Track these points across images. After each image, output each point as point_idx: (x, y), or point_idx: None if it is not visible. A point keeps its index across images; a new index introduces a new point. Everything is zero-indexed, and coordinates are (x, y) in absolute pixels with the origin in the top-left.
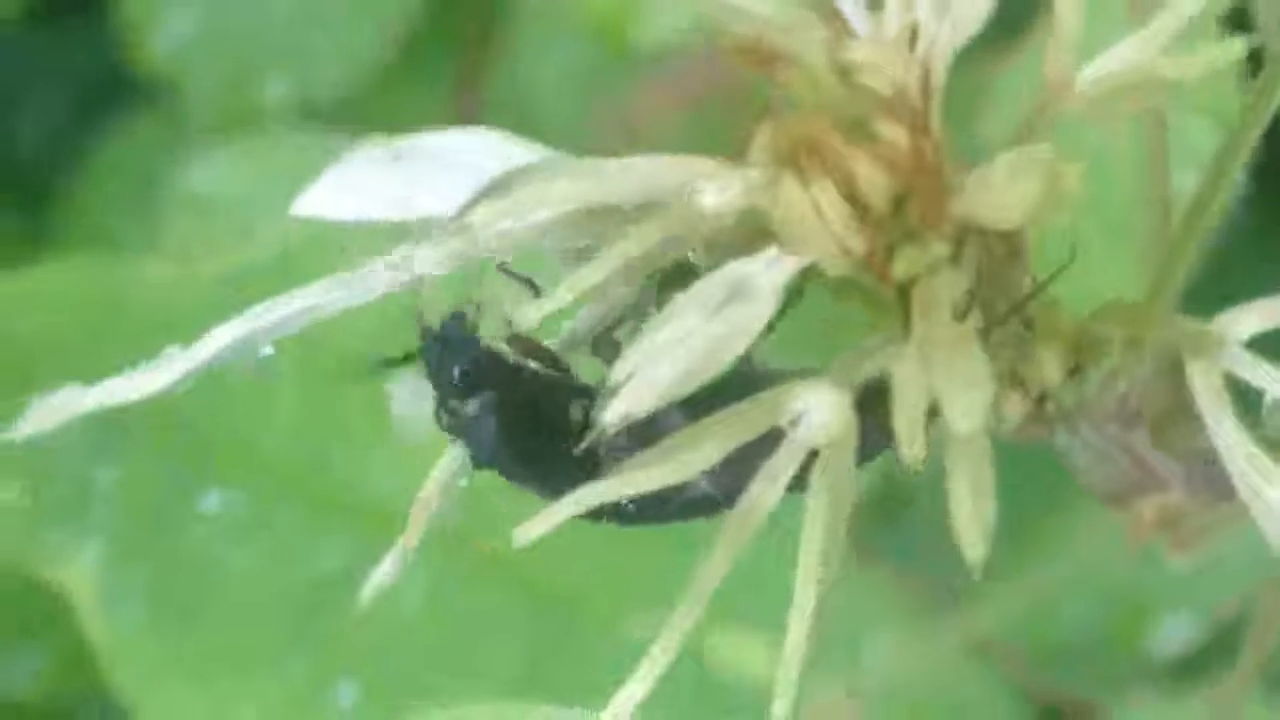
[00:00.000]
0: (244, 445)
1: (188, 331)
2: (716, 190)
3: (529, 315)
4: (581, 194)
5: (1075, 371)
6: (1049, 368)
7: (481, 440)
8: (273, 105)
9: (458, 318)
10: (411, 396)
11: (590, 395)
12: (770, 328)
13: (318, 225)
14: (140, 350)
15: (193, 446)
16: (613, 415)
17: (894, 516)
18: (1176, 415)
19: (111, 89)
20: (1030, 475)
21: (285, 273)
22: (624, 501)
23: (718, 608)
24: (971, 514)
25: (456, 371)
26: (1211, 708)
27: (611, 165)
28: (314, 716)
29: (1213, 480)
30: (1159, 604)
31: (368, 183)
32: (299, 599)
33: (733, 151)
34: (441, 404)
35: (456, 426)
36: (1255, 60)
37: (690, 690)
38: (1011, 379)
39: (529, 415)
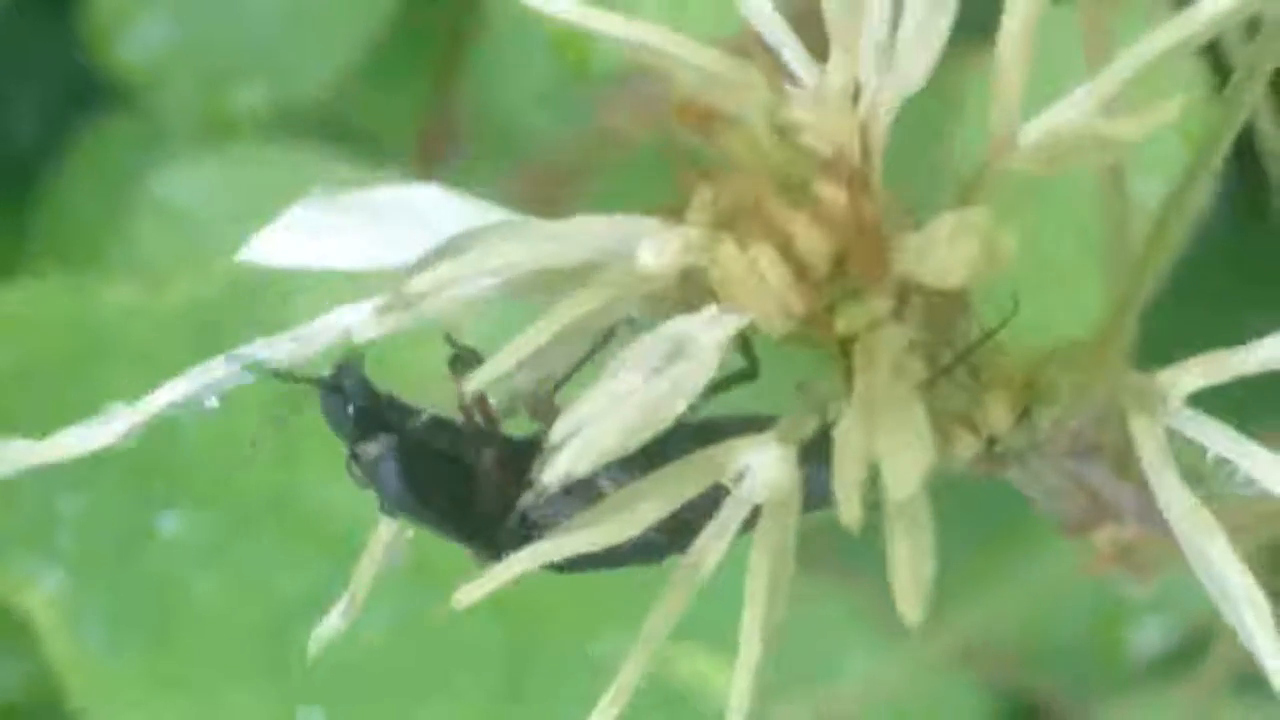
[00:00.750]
0: (208, 472)
1: (152, 353)
2: (655, 250)
3: (473, 384)
4: (525, 258)
5: (1024, 415)
6: (996, 413)
7: (386, 484)
8: (246, 110)
9: (351, 364)
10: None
11: (501, 443)
12: (714, 389)
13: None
14: (107, 373)
15: (156, 473)
16: (553, 475)
17: (872, 531)
18: (1132, 445)
19: (90, 87)
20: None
21: (238, 304)
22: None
23: (681, 625)
24: (910, 577)
25: (351, 413)
26: (1186, 708)
27: (553, 228)
28: None
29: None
30: (1137, 607)
31: (320, 232)
32: (263, 624)
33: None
34: (349, 452)
35: (362, 471)
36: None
37: (655, 707)
38: (961, 421)
39: (431, 460)
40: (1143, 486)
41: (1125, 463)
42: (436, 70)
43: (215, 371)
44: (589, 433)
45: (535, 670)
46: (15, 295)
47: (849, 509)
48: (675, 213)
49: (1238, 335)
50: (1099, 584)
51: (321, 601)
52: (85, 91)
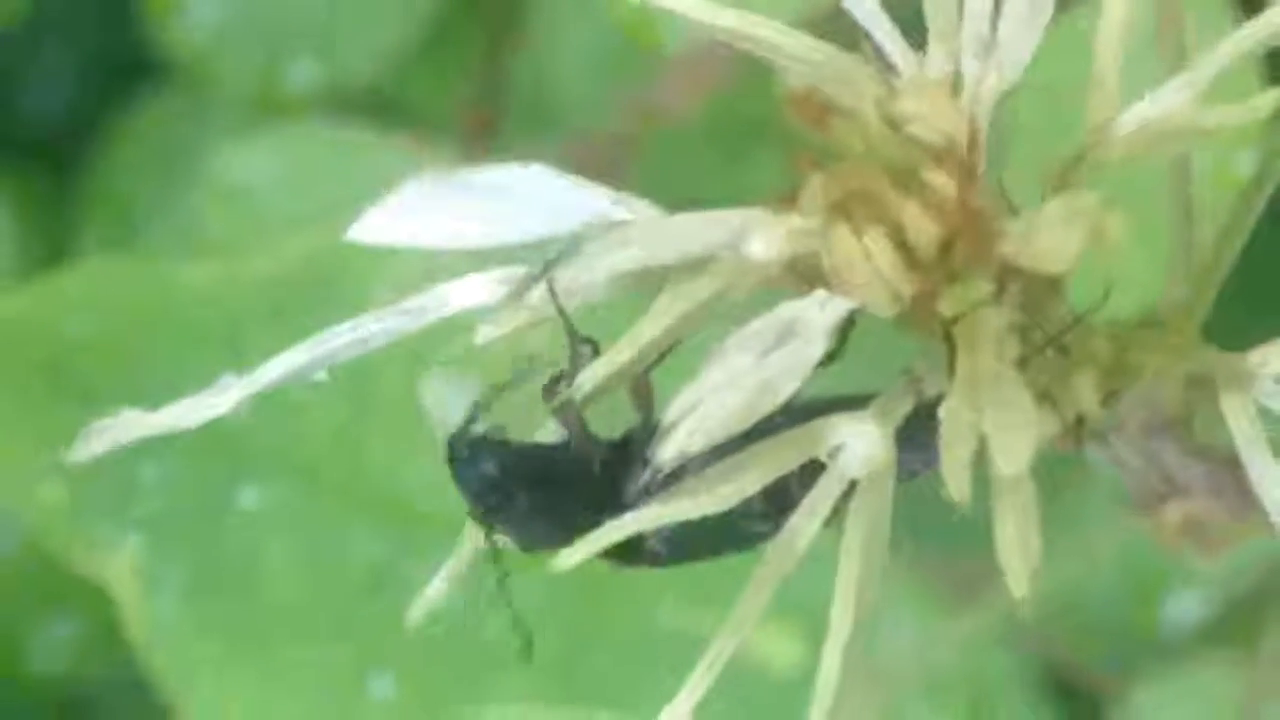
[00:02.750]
0: (281, 440)
1: (228, 338)
2: (764, 240)
3: (590, 376)
4: (638, 261)
5: (1110, 394)
6: (1085, 393)
7: (529, 530)
8: (300, 89)
9: (471, 423)
10: (443, 393)
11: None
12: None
13: (340, 234)
14: (187, 350)
15: (231, 443)
16: (667, 453)
17: (911, 503)
18: (1203, 423)
19: (136, 61)
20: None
21: (316, 283)
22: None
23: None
24: (1018, 552)
25: (486, 474)
26: (1224, 681)
27: (664, 225)
28: (351, 707)
29: (1236, 487)
30: (1174, 580)
31: (424, 213)
32: (335, 592)
33: (752, 138)
34: (477, 508)
35: (498, 524)
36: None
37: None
38: (1046, 399)
39: (564, 492)
40: (1212, 463)
41: (1193, 440)
42: (485, 45)
43: (329, 344)
44: (702, 412)
45: (600, 644)
46: (90, 268)
47: (959, 486)
48: (783, 201)
49: None
50: (1135, 558)
51: (392, 569)
52: (121, 67)
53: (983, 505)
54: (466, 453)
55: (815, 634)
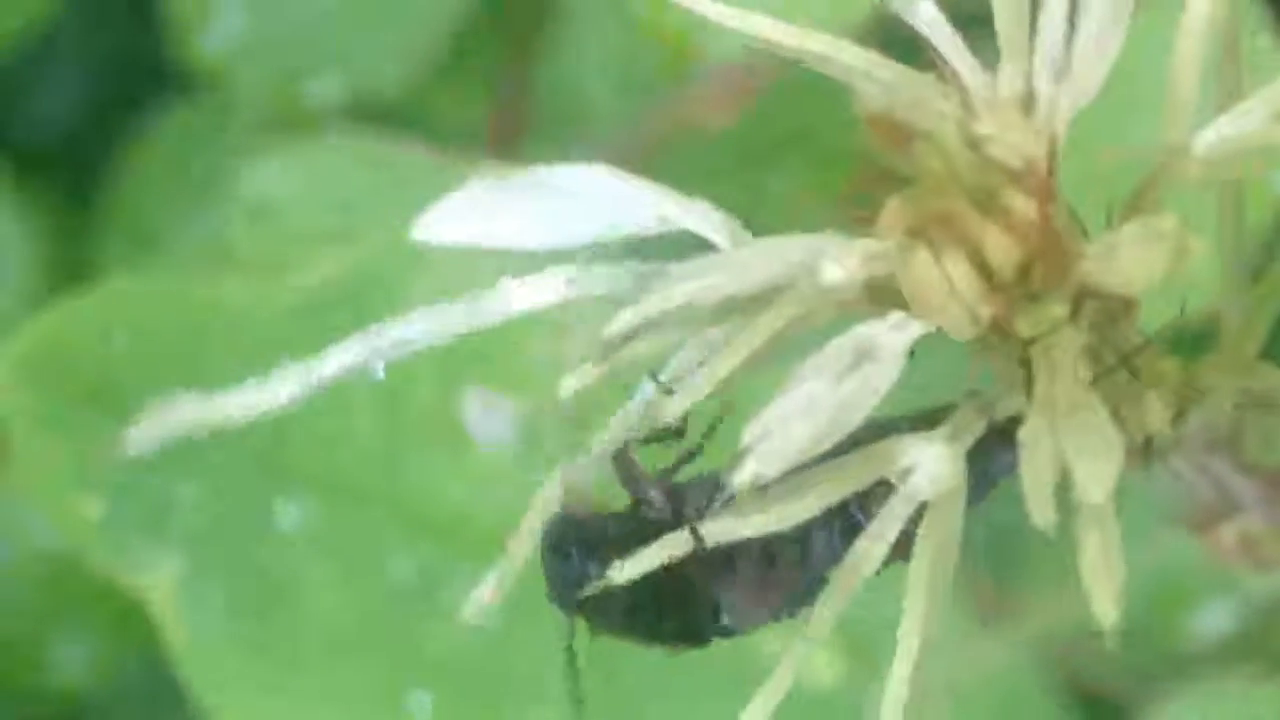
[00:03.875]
0: (320, 457)
1: (267, 355)
2: (836, 267)
3: (669, 410)
4: (715, 294)
5: (1178, 416)
6: (1155, 414)
7: (603, 624)
8: (322, 103)
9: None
10: (484, 410)
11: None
12: None
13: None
14: (226, 367)
15: (269, 461)
16: (743, 476)
17: None
18: (1260, 440)
19: (154, 71)
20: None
21: (355, 296)
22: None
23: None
24: (1104, 578)
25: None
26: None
27: (737, 257)
28: None
29: None
30: (1199, 591)
31: (489, 211)
32: (374, 610)
33: (785, 149)
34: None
35: (581, 609)
36: None
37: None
38: (1117, 420)
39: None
40: (1267, 479)
41: (1249, 455)
42: (509, 56)
43: (384, 338)
44: (779, 436)
45: (638, 666)
46: (124, 286)
47: (1042, 512)
48: (857, 224)
49: None
50: (1162, 569)
51: (430, 588)
52: (139, 78)
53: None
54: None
55: (859, 652)
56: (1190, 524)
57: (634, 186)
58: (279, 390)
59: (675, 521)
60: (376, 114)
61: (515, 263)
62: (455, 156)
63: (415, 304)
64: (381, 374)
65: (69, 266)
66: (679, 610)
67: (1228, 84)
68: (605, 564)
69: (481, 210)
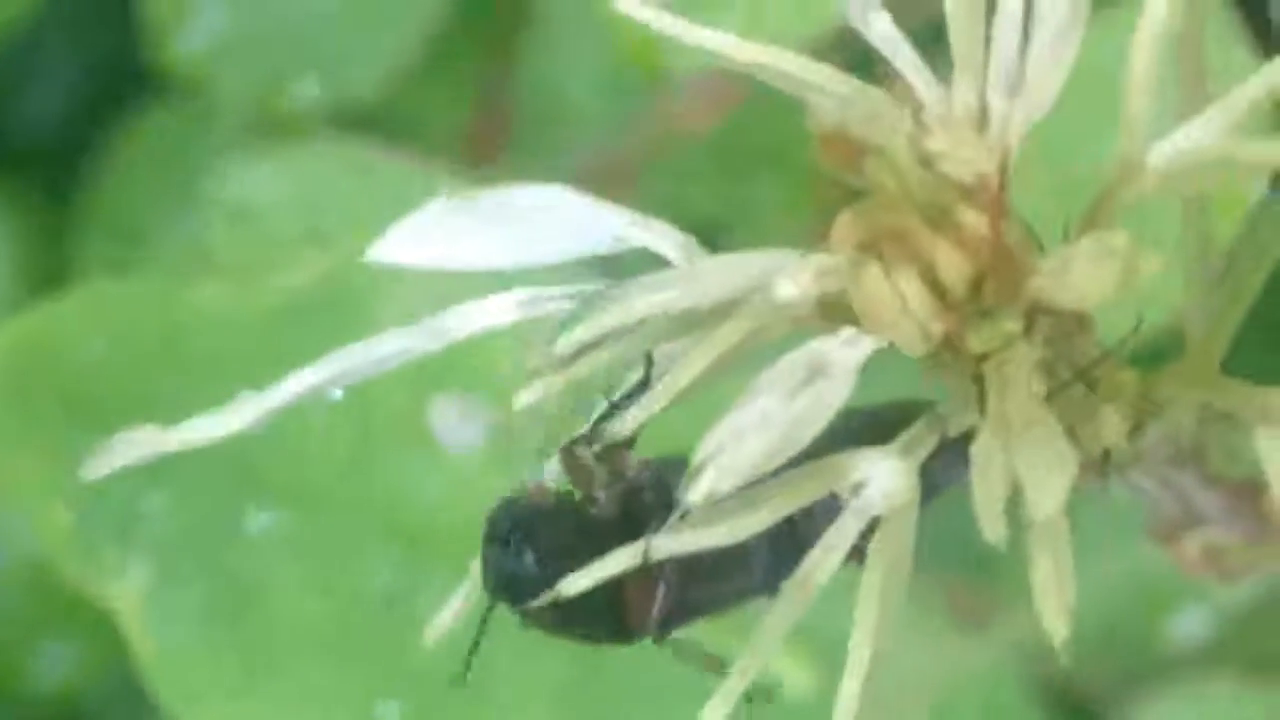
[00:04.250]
0: (287, 464)
1: (241, 361)
2: (790, 283)
3: (624, 426)
4: (669, 308)
5: (1136, 429)
6: (1111, 427)
7: (549, 628)
8: (303, 107)
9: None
10: (455, 417)
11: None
12: None
13: (352, 254)
14: (199, 371)
15: (238, 467)
16: (697, 494)
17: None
18: (1223, 453)
19: (136, 73)
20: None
21: (330, 300)
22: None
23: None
24: (1054, 593)
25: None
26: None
27: (691, 272)
28: None
29: (1255, 516)
30: (1176, 597)
31: (444, 234)
32: (342, 619)
33: (758, 159)
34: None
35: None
36: None
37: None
38: (1072, 434)
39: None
40: (1230, 491)
41: (1211, 467)
42: (487, 64)
43: (347, 361)
44: (733, 451)
45: (606, 674)
46: (99, 290)
47: (992, 527)
48: (810, 239)
49: None
50: (1140, 575)
51: (401, 596)
52: (121, 80)
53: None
54: (500, 532)
55: (828, 660)
56: (1154, 536)
57: (593, 207)
58: (242, 415)
59: (622, 522)
60: (358, 117)
61: (485, 275)
62: (437, 161)
63: (388, 314)
64: (339, 395)
65: (48, 268)
66: (608, 615)
67: (1189, 96)
68: (543, 557)
69: (441, 232)
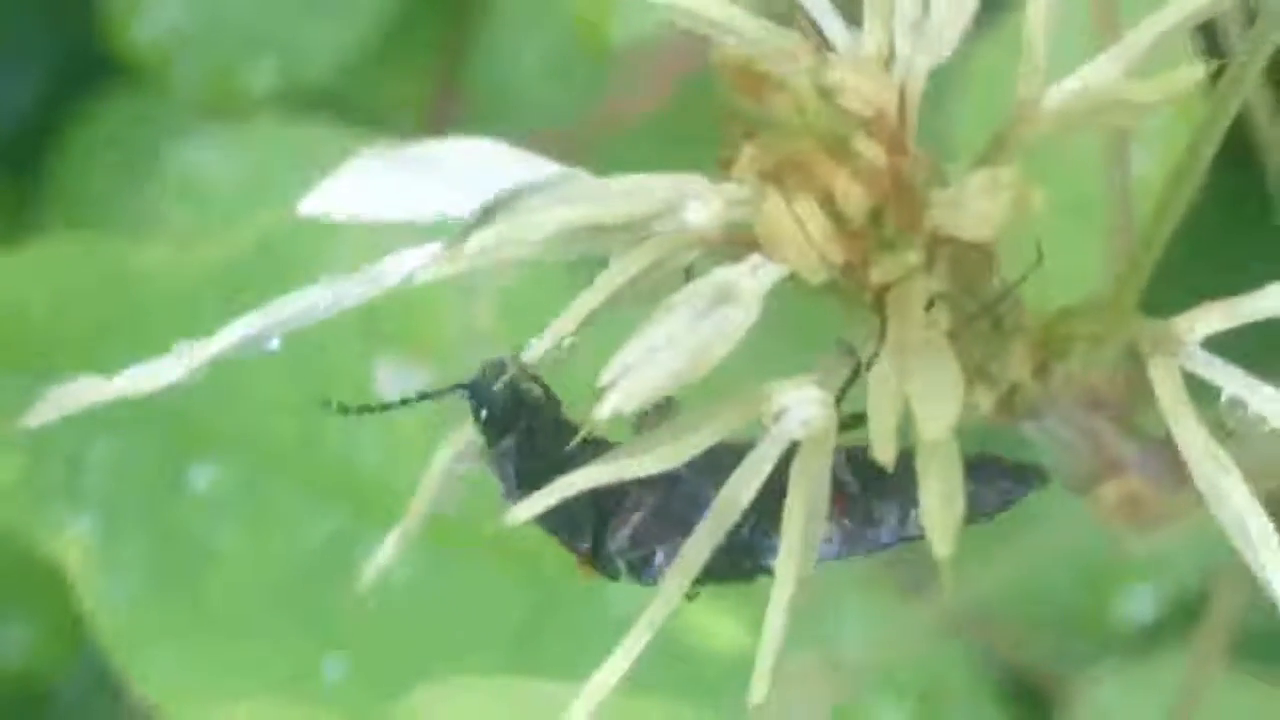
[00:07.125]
0: (233, 420)
1: (182, 316)
2: (700, 207)
3: (534, 352)
4: (577, 218)
5: (1042, 366)
6: (1017, 365)
7: (506, 477)
8: (258, 89)
9: (492, 368)
10: (396, 375)
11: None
12: None
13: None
14: (142, 328)
15: (183, 421)
16: (604, 411)
17: None
18: (1138, 401)
19: (95, 59)
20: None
21: (269, 261)
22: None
23: None
24: (942, 514)
25: (482, 415)
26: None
27: (602, 187)
28: (304, 688)
29: (1171, 465)
30: (1127, 575)
31: (374, 186)
32: (288, 573)
33: (705, 142)
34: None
35: (491, 465)
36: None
37: (660, 660)
38: (980, 373)
39: (542, 457)
40: (1147, 440)
41: (1127, 418)
42: (442, 46)
43: (282, 311)
44: (637, 374)
45: (551, 629)
46: (45, 247)
47: (884, 449)
48: (719, 169)
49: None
50: (1089, 551)
51: (346, 550)
52: (81, 66)
53: None
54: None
55: (755, 618)
56: (1071, 486)
57: (520, 158)
58: (177, 366)
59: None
60: (315, 100)
61: (421, 231)
62: (390, 141)
63: (326, 271)
64: (276, 346)
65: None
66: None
67: (1101, 42)
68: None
69: (369, 184)
